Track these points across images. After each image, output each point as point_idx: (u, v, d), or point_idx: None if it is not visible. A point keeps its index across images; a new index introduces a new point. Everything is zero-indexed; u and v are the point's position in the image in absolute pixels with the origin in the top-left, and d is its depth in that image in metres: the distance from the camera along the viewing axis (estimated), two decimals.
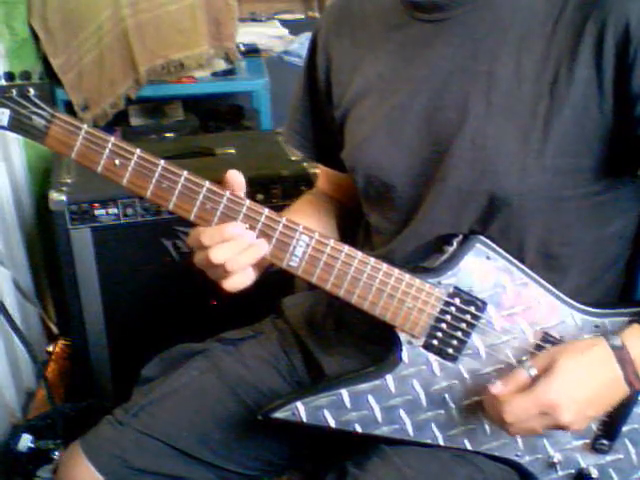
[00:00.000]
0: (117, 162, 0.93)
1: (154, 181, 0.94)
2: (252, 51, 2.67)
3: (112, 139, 0.93)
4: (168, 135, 2.39)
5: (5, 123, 0.91)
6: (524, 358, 0.97)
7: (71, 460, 1.16)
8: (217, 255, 0.93)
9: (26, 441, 1.64)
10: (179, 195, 0.94)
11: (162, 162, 0.94)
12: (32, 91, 0.91)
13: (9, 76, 0.92)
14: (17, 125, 0.92)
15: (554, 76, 0.93)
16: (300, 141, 1.25)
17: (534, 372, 0.89)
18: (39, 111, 0.92)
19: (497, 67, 0.96)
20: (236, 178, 0.96)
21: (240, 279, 0.97)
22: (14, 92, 0.91)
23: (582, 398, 0.88)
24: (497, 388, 0.90)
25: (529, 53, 0.95)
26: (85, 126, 0.93)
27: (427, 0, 1.00)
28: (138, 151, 0.94)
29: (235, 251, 0.94)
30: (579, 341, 0.96)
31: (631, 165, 0.95)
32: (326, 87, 1.17)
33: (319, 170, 1.36)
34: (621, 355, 0.89)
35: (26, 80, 0.94)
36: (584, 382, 0.88)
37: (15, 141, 2.00)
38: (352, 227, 1.22)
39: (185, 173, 0.94)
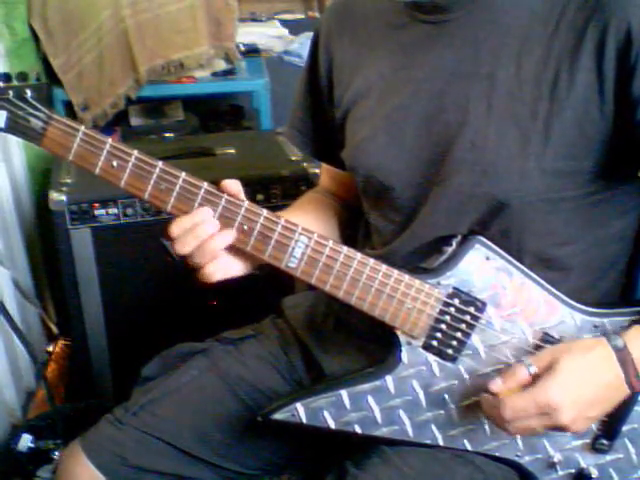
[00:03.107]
0: (115, 164, 0.93)
1: (152, 183, 0.94)
2: (252, 51, 2.67)
3: (109, 141, 0.93)
4: (168, 135, 2.39)
5: (2, 124, 0.91)
6: (524, 358, 0.97)
7: (71, 459, 1.16)
8: (181, 249, 0.96)
9: (26, 441, 1.64)
10: (177, 197, 0.94)
11: (160, 163, 0.94)
12: (29, 92, 0.91)
13: (6, 77, 0.92)
14: (14, 127, 0.91)
15: (554, 79, 0.93)
16: (301, 139, 1.25)
17: (534, 370, 0.88)
18: (36, 113, 0.91)
19: (498, 69, 0.96)
20: (231, 188, 0.96)
21: (213, 268, 0.97)
22: (11, 93, 0.91)
23: (583, 399, 0.87)
24: (496, 385, 0.89)
25: (529, 55, 0.94)
26: (82, 127, 0.92)
27: (428, 1, 1.00)
28: (136, 152, 0.93)
29: (196, 243, 0.95)
30: (581, 340, 0.95)
31: (631, 167, 0.95)
32: (327, 86, 1.16)
33: (321, 167, 1.35)
34: (622, 356, 0.88)
35: (23, 81, 0.93)
36: (585, 383, 0.87)
37: (15, 141, 2.00)
38: (354, 225, 1.22)
39: (183, 174, 0.94)
